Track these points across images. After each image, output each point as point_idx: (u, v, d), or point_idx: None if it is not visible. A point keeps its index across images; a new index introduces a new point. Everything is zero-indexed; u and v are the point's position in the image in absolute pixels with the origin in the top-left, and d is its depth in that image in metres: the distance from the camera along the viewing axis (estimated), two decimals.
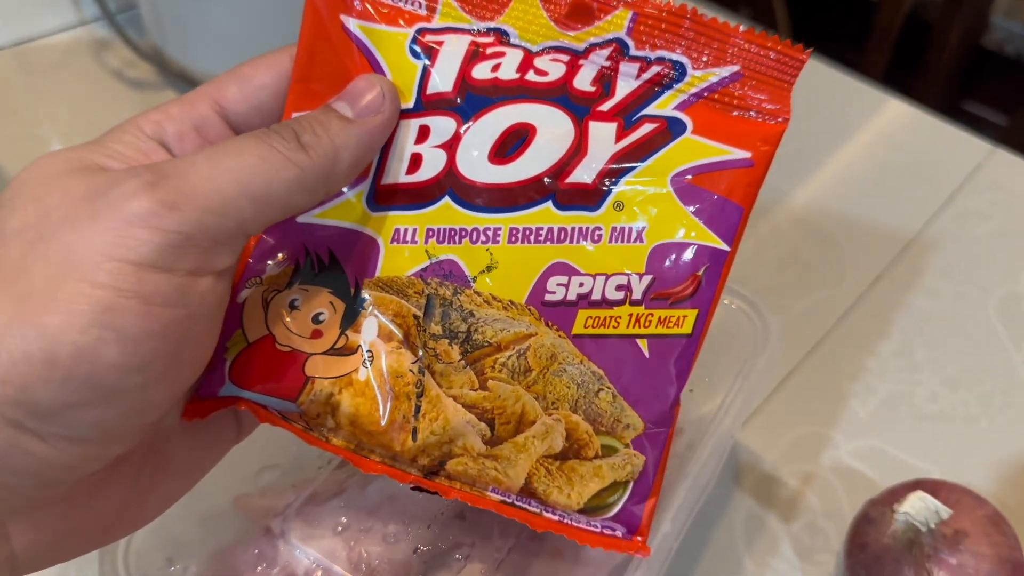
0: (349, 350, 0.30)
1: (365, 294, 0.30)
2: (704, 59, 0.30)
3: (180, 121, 0.28)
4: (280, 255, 0.30)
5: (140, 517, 0.29)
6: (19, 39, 0.72)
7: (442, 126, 0.30)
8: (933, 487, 0.42)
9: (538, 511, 0.31)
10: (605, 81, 0.30)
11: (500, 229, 0.30)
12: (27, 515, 0.25)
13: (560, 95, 0.30)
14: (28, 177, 0.25)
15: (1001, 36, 1.19)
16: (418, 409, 0.30)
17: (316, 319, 0.30)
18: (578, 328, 0.30)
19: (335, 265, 0.30)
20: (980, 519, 0.41)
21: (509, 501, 0.31)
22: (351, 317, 0.30)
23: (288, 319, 0.30)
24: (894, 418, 0.52)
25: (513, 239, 0.30)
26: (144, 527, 0.34)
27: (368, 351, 0.30)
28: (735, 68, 0.30)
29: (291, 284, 0.30)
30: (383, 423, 0.30)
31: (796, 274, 0.59)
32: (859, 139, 0.69)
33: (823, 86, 0.73)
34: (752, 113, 0.30)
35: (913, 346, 0.55)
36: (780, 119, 0.30)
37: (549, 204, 0.30)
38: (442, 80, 0.30)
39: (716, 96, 0.30)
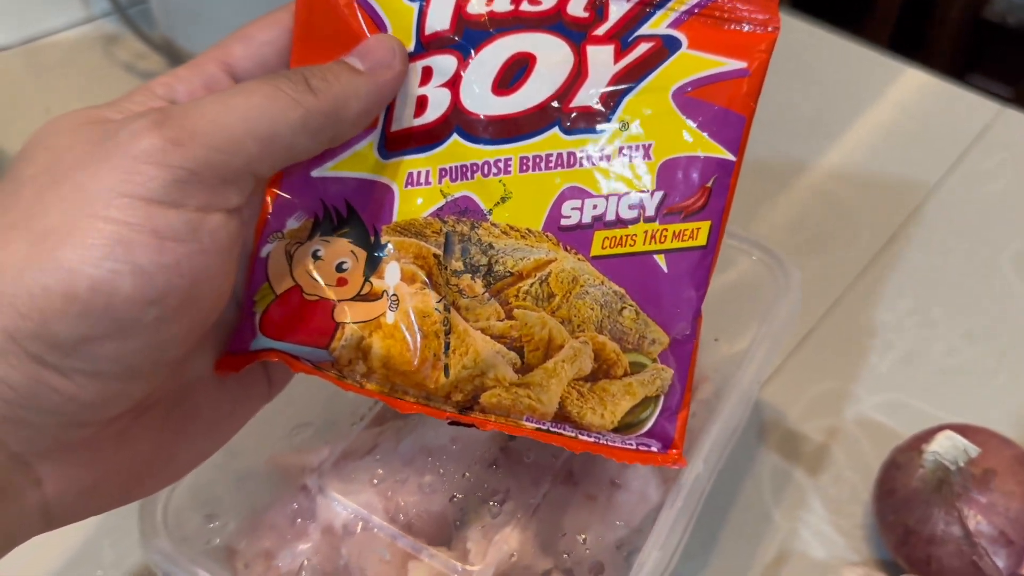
0: (375, 295, 0.30)
1: (385, 240, 0.31)
2: None
3: (189, 81, 0.28)
4: (299, 210, 0.31)
5: (171, 470, 0.29)
6: (28, 37, 0.73)
7: (444, 65, 0.30)
8: (960, 429, 0.42)
9: (573, 435, 0.31)
10: (597, 6, 0.31)
11: (511, 160, 0.31)
12: (56, 458, 0.25)
13: (555, 23, 0.31)
14: (42, 132, 0.26)
15: (1003, 7, 1.19)
16: (447, 345, 0.30)
17: (339, 268, 0.31)
18: (596, 250, 0.30)
19: (353, 215, 0.31)
20: (1008, 458, 0.41)
21: (544, 428, 0.31)
22: (373, 264, 0.31)
23: (313, 269, 0.30)
24: (914, 372, 0.52)
25: (524, 168, 0.30)
26: (181, 486, 0.34)
27: (393, 295, 0.30)
28: None
29: (312, 236, 0.31)
30: (415, 363, 0.30)
31: (811, 236, 0.60)
32: (869, 105, 0.69)
33: (834, 56, 0.73)
34: (744, 25, 0.30)
35: (928, 303, 0.56)
36: (771, 28, 0.30)
37: (556, 130, 0.30)
38: (438, 19, 0.31)
39: (707, 11, 0.30)
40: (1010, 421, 0.49)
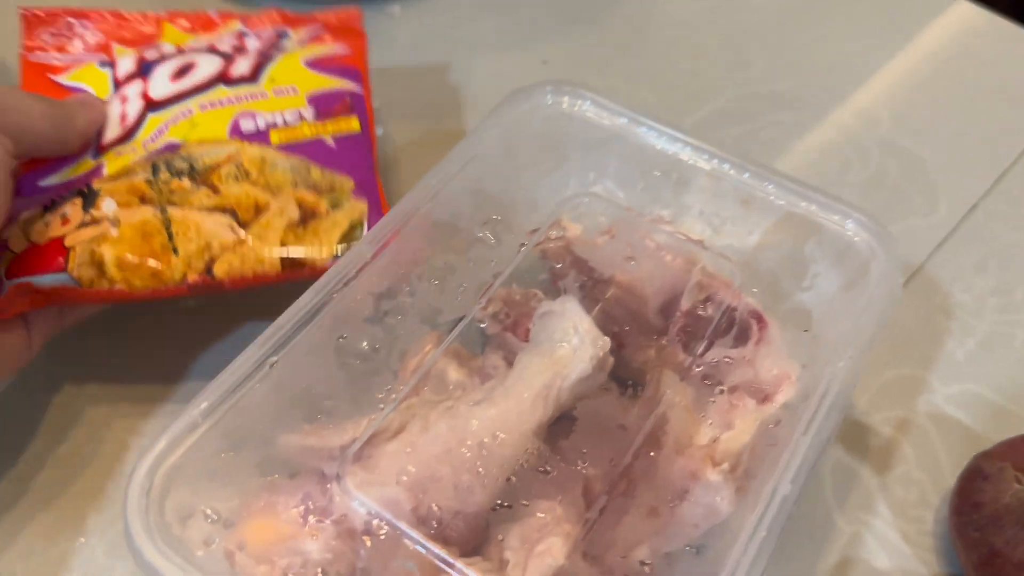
0: (96, 220, 0.39)
1: (96, 187, 0.40)
2: (297, 26, 0.48)
3: None
4: (30, 208, 0.40)
5: None
6: None
7: (134, 88, 0.44)
8: None
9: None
10: (238, 48, 0.46)
11: (192, 110, 0.43)
12: None
13: (208, 52, 0.46)
14: None
15: None
16: (170, 234, 0.38)
17: (63, 219, 0.39)
18: (274, 140, 0.42)
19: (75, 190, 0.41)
20: None
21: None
22: (88, 203, 0.39)
23: (43, 230, 0.39)
24: (994, 362, 0.47)
25: (203, 108, 0.43)
26: (174, 471, 0.30)
27: (112, 217, 0.39)
28: (317, 27, 0.48)
29: (44, 215, 0.39)
30: (145, 256, 0.38)
31: (884, 199, 0.54)
32: (949, 58, 0.62)
33: (928, 6, 0.66)
34: (338, 45, 0.48)
35: (1012, 283, 0.50)
36: (355, 50, 0.48)
37: (220, 86, 0.44)
38: (124, 68, 0.45)
39: (316, 38, 0.48)
40: None
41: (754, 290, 0.39)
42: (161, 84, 0.44)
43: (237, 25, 0.48)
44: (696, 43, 0.63)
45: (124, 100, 0.43)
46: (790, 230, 0.40)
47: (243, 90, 0.43)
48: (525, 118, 0.42)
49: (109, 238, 0.38)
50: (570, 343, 0.35)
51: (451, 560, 0.30)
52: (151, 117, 0.43)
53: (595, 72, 0.60)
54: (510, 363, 0.37)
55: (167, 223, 0.39)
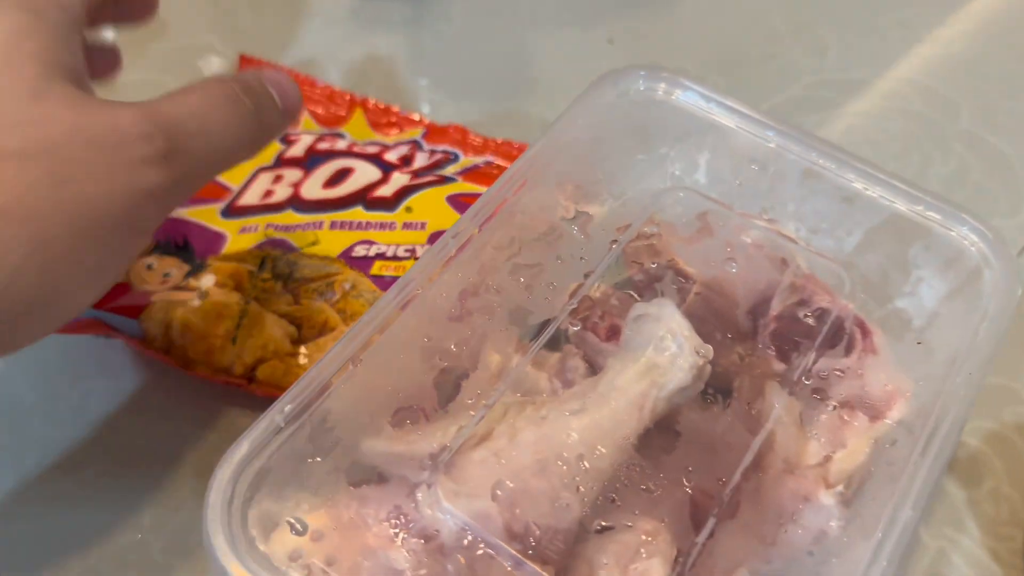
0: (189, 289, 0.41)
1: (209, 263, 0.43)
2: (470, 152, 0.49)
3: None
4: None
5: None
6: None
7: (291, 174, 0.47)
8: None
9: None
10: (406, 158, 0.48)
11: (323, 222, 0.44)
12: None
13: (374, 159, 0.48)
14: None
15: None
16: (239, 325, 0.40)
17: (165, 275, 0.42)
18: (374, 270, 0.42)
19: (187, 246, 0.44)
20: None
21: None
22: (193, 274, 0.42)
23: (144, 273, 0.42)
24: None
25: (333, 227, 0.44)
26: (255, 473, 0.28)
27: (203, 292, 0.41)
28: (489, 157, 0.49)
29: (150, 254, 0.43)
30: (208, 333, 0.40)
31: (966, 197, 0.52)
32: None
33: None
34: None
35: None
36: None
37: (360, 206, 0.45)
38: (295, 151, 0.48)
39: (479, 170, 0.48)
40: None
41: (861, 294, 0.38)
42: (314, 187, 0.46)
43: (418, 133, 0.51)
44: (769, 27, 0.60)
45: (278, 179, 0.47)
46: (894, 232, 0.38)
47: (376, 216, 0.44)
48: (616, 104, 0.40)
49: (188, 306, 0.40)
50: (668, 350, 0.33)
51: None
52: (288, 211, 0.45)
53: (664, 54, 0.58)
54: (589, 364, 0.36)
55: (243, 314, 0.41)
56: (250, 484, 0.28)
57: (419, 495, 0.30)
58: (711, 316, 0.38)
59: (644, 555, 0.29)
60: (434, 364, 0.33)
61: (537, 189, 0.37)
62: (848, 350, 0.35)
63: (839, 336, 0.35)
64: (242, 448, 0.29)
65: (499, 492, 0.29)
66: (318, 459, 0.30)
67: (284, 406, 0.29)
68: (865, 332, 0.35)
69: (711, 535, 0.30)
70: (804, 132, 0.39)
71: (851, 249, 0.39)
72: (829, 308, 0.36)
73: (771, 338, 0.36)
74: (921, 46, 0.59)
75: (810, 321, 0.36)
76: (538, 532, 0.29)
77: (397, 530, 0.29)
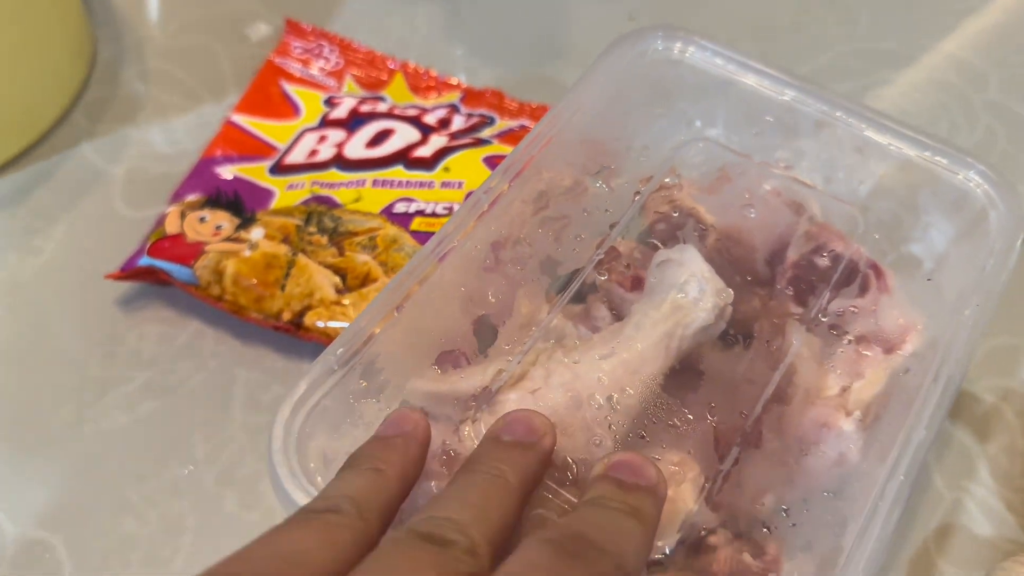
0: (240, 240, 0.44)
1: (259, 217, 0.46)
2: (506, 116, 0.52)
3: None
4: (198, 191, 0.47)
5: None
6: None
7: (335, 135, 0.50)
8: None
9: None
10: (444, 121, 0.50)
11: (366, 180, 0.47)
12: None
13: (414, 121, 0.50)
14: None
15: None
16: (288, 273, 0.43)
17: (217, 227, 0.45)
18: (413, 226, 0.45)
19: (238, 199, 0.46)
20: None
21: None
22: (243, 227, 0.45)
23: (197, 225, 0.45)
24: None
25: (375, 184, 0.47)
26: (314, 412, 0.30)
27: (254, 243, 0.44)
28: (524, 121, 0.51)
29: (203, 207, 0.46)
30: (257, 281, 0.43)
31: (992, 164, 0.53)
32: None
33: None
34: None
35: None
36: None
37: (400, 166, 0.48)
38: (338, 113, 0.51)
39: (514, 133, 0.50)
40: None
41: (875, 236, 0.39)
42: (357, 147, 0.49)
43: (456, 97, 0.53)
44: None
45: (322, 139, 0.49)
46: (903, 178, 0.39)
47: (415, 175, 0.47)
48: (635, 64, 0.42)
49: (239, 256, 0.43)
50: (691, 292, 0.35)
51: None
52: (333, 169, 0.48)
53: (694, 22, 0.59)
54: (615, 312, 0.37)
55: (290, 264, 0.43)
56: (309, 421, 0.31)
57: (464, 431, 0.32)
58: (730, 264, 0.39)
59: (675, 482, 0.31)
60: (471, 312, 0.35)
61: (562, 146, 0.39)
62: (863, 290, 0.36)
63: (853, 277, 0.37)
64: (300, 388, 0.31)
65: None
66: (370, 399, 0.32)
67: (337, 349, 0.32)
68: (879, 273, 0.37)
69: (736, 463, 0.32)
70: (816, 85, 0.41)
71: (864, 196, 0.40)
72: (843, 253, 0.38)
73: (789, 283, 0.38)
74: (950, 17, 0.60)
75: (826, 264, 0.38)
76: (573, 465, 0.31)
77: (444, 464, 0.31)
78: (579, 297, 0.38)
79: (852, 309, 0.36)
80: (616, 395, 0.33)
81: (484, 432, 0.30)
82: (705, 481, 0.32)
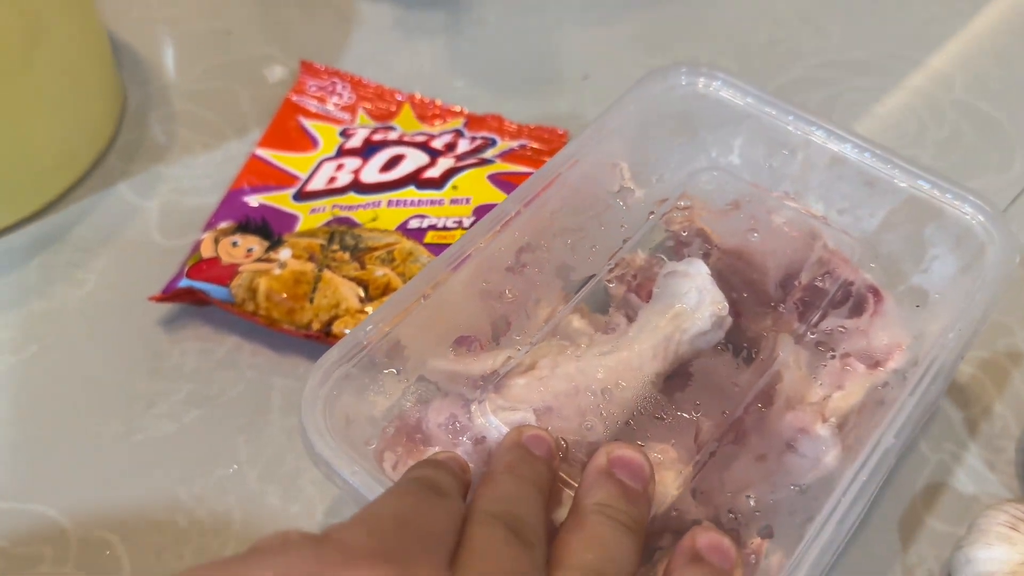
0: (270, 260, 0.49)
1: (285, 239, 0.50)
2: (506, 137, 0.56)
3: None
4: (229, 219, 0.51)
5: None
6: None
7: (352, 163, 0.55)
8: None
9: None
10: (450, 145, 0.55)
11: (381, 201, 0.52)
12: None
13: (422, 147, 0.55)
14: None
15: None
16: (315, 287, 0.48)
17: (248, 250, 0.50)
18: (427, 239, 0.50)
19: (266, 225, 0.51)
20: None
21: None
22: (273, 248, 0.50)
23: (230, 249, 0.50)
24: None
25: (390, 204, 0.52)
26: (352, 379, 0.34)
27: (282, 262, 0.49)
28: (524, 141, 0.56)
29: (234, 233, 0.51)
30: (287, 296, 0.47)
31: (960, 157, 0.57)
32: (1013, 14, 0.65)
33: None
34: (529, 168, 0.54)
35: None
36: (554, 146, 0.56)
37: (412, 187, 0.53)
38: (353, 143, 0.56)
39: (514, 152, 0.55)
40: None
41: (872, 266, 0.42)
42: (371, 172, 0.53)
43: (459, 123, 0.57)
44: (775, 15, 0.66)
45: (340, 167, 0.54)
46: (911, 213, 0.42)
47: (426, 195, 0.52)
48: (660, 96, 0.45)
49: (270, 275, 0.48)
50: (692, 301, 0.38)
51: (572, 483, 0.34)
52: (351, 193, 0.53)
53: (680, 44, 0.64)
54: (632, 320, 0.41)
55: (317, 279, 0.48)
56: (338, 383, 0.35)
57: (472, 407, 0.36)
58: (745, 285, 0.42)
59: (659, 470, 0.34)
60: (490, 305, 0.39)
61: (588, 166, 0.43)
62: (859, 311, 0.39)
63: (853, 300, 0.40)
64: (333, 355, 0.35)
65: (536, 409, 0.35)
66: (393, 370, 0.36)
67: (367, 325, 0.36)
68: (878, 297, 0.40)
69: (717, 458, 0.35)
70: (831, 121, 0.44)
71: (874, 229, 0.43)
72: (847, 277, 0.41)
73: (796, 304, 0.41)
74: (917, 26, 0.64)
75: (831, 287, 0.41)
76: (565, 445, 0.34)
77: (452, 434, 0.35)
78: (602, 308, 0.42)
79: (840, 329, 0.39)
80: (611, 388, 0.36)
81: (489, 411, 0.34)
82: (684, 468, 0.35)
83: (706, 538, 0.31)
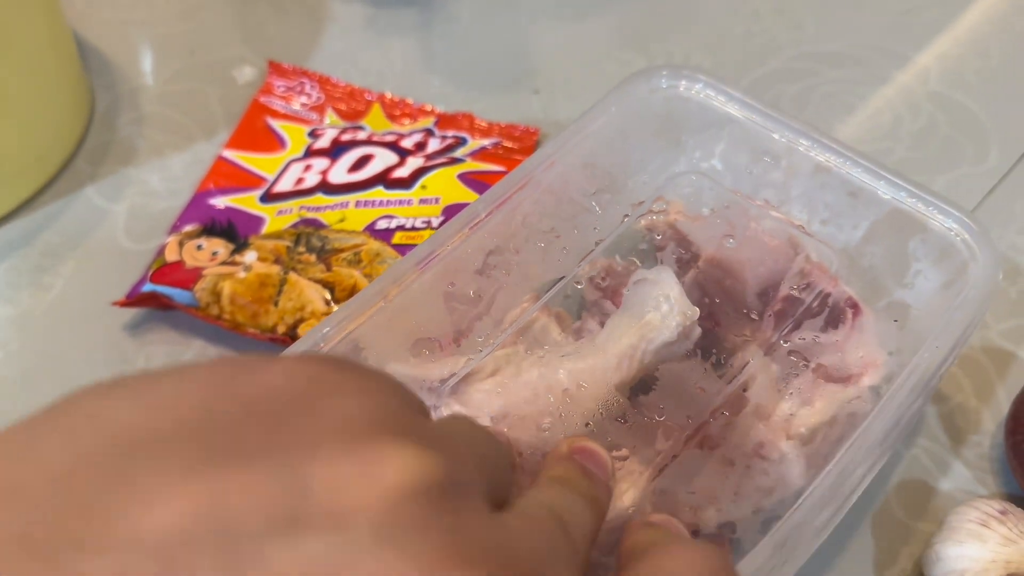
0: (235, 263, 0.48)
1: (251, 241, 0.49)
2: (477, 136, 0.55)
3: None
4: (194, 221, 0.50)
5: None
6: None
7: (319, 164, 0.53)
8: None
9: None
10: (420, 144, 0.54)
11: (349, 202, 0.51)
12: None
13: (392, 146, 0.54)
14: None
15: None
16: (280, 290, 0.47)
17: (213, 254, 0.49)
18: (395, 240, 0.49)
19: (232, 228, 0.50)
20: None
21: None
22: (238, 251, 0.49)
23: (195, 252, 0.49)
24: None
25: (358, 205, 0.51)
26: None
27: (247, 265, 0.48)
28: (495, 139, 0.55)
29: (199, 236, 0.50)
30: (252, 299, 0.46)
31: (936, 149, 0.56)
32: (997, 15, 0.64)
33: None
34: (500, 167, 0.53)
35: None
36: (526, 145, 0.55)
37: (381, 187, 0.52)
38: (321, 143, 0.55)
39: (485, 151, 0.54)
40: None
41: (853, 279, 0.41)
42: (339, 173, 0.52)
43: (430, 122, 0.57)
44: (749, 9, 0.65)
45: (308, 168, 0.53)
46: (895, 225, 0.41)
47: (395, 195, 0.51)
48: (641, 98, 0.44)
49: (235, 278, 0.47)
50: (660, 310, 0.37)
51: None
52: (318, 194, 0.52)
53: (656, 39, 0.63)
54: (603, 326, 0.40)
55: (283, 282, 0.47)
56: None
57: (431, 412, 0.35)
58: (723, 293, 0.41)
59: (619, 479, 0.34)
60: (454, 307, 0.39)
61: (564, 168, 0.42)
62: (836, 325, 0.39)
63: (831, 312, 0.39)
64: (296, 351, 0.34)
65: (492, 414, 0.35)
66: None
67: (324, 327, 0.35)
68: (856, 311, 0.39)
69: (680, 463, 0.35)
70: (815, 128, 0.42)
71: (857, 240, 0.42)
72: (826, 289, 0.40)
73: (774, 315, 0.40)
74: (891, 18, 0.64)
75: (809, 299, 0.39)
76: (526, 451, 0.34)
77: None
78: (577, 313, 0.41)
79: (816, 339, 0.38)
80: (570, 389, 0.35)
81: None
82: (643, 471, 0.34)
83: (577, 443, 0.28)
